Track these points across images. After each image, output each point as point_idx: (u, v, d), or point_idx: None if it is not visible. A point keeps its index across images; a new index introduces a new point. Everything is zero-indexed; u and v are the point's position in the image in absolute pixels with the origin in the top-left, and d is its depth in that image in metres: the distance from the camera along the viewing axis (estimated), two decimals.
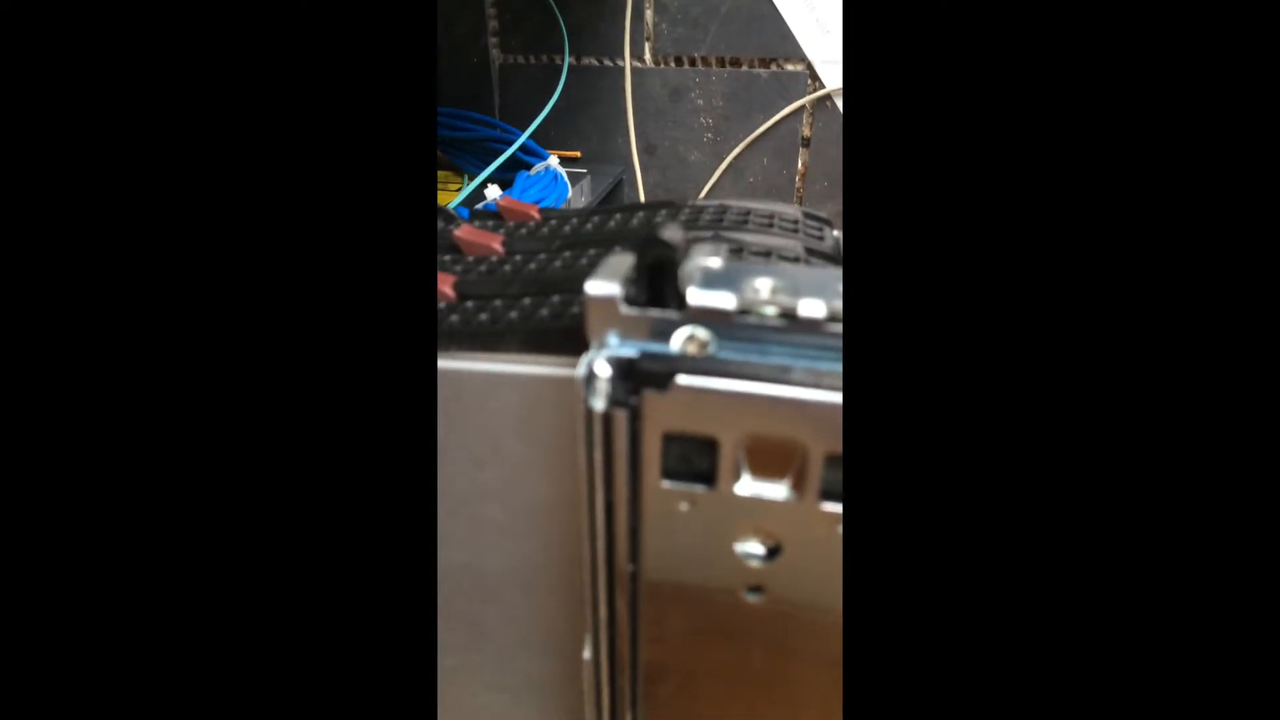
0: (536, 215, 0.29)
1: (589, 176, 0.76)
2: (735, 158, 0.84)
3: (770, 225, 0.25)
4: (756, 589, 0.17)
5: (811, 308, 0.15)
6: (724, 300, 0.15)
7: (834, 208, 0.84)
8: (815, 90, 0.80)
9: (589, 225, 0.27)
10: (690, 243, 0.17)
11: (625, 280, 0.16)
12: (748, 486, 0.16)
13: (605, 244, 0.25)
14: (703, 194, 0.86)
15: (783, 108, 0.81)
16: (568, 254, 0.25)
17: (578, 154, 0.86)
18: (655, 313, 0.16)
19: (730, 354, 0.16)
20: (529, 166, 0.68)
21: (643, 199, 0.87)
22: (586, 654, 0.20)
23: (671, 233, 0.15)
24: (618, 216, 0.27)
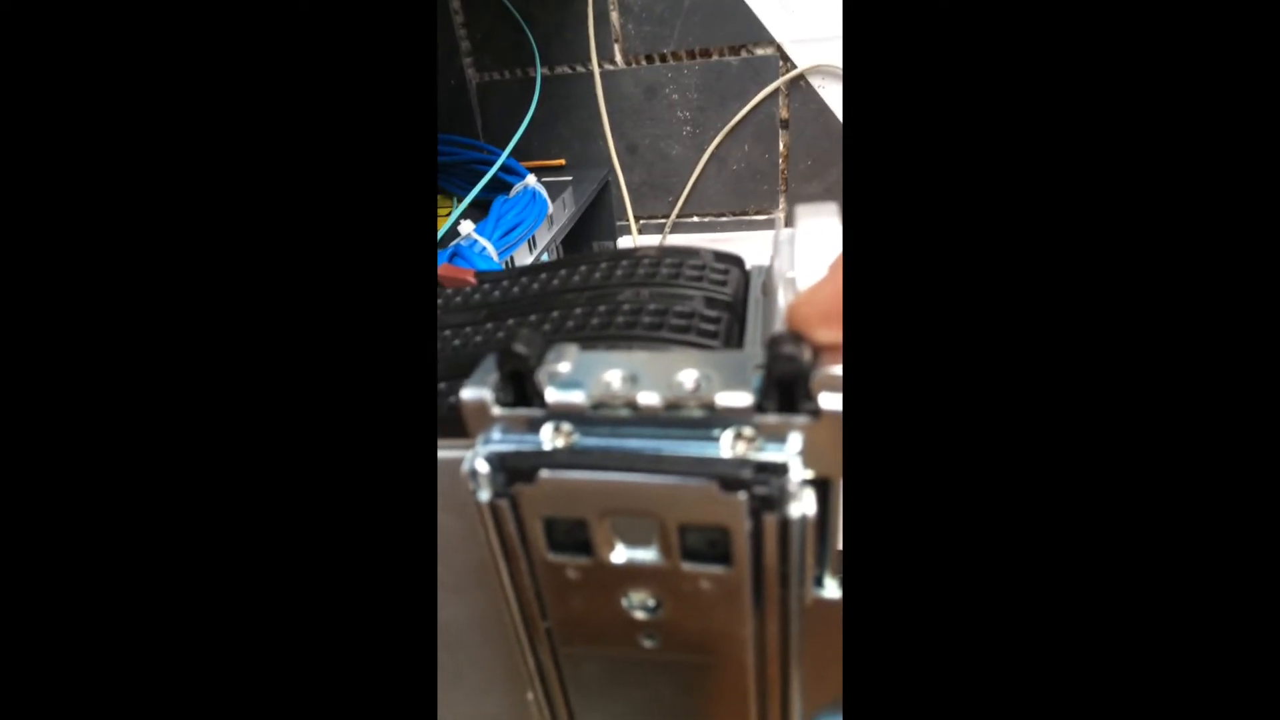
0: (472, 281, 0.31)
1: (571, 187, 0.77)
2: (716, 147, 0.85)
3: (677, 275, 0.27)
4: (651, 635, 0.19)
5: (649, 398, 0.17)
6: (576, 397, 0.17)
7: (819, 186, 0.85)
8: (787, 71, 0.80)
9: (515, 290, 0.29)
10: (549, 344, 0.18)
11: (494, 385, 0.18)
12: (622, 554, 0.18)
13: (526, 311, 0.27)
14: (687, 187, 0.88)
15: (757, 92, 0.82)
16: (489, 326, 0.27)
17: (562, 161, 0.87)
18: (522, 411, 0.18)
19: (592, 441, 0.17)
20: (509, 187, 0.70)
21: (627, 199, 0.89)
22: (530, 696, 0.23)
23: (523, 343, 0.17)
24: (542, 276, 0.29)
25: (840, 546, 0.19)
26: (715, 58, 0.81)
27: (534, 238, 0.66)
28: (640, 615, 0.19)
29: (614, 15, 0.81)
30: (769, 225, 0.88)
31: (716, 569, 0.18)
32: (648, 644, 0.20)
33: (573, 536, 0.18)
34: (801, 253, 0.19)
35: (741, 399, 0.17)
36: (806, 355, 0.16)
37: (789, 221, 0.20)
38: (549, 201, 0.69)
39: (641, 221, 0.91)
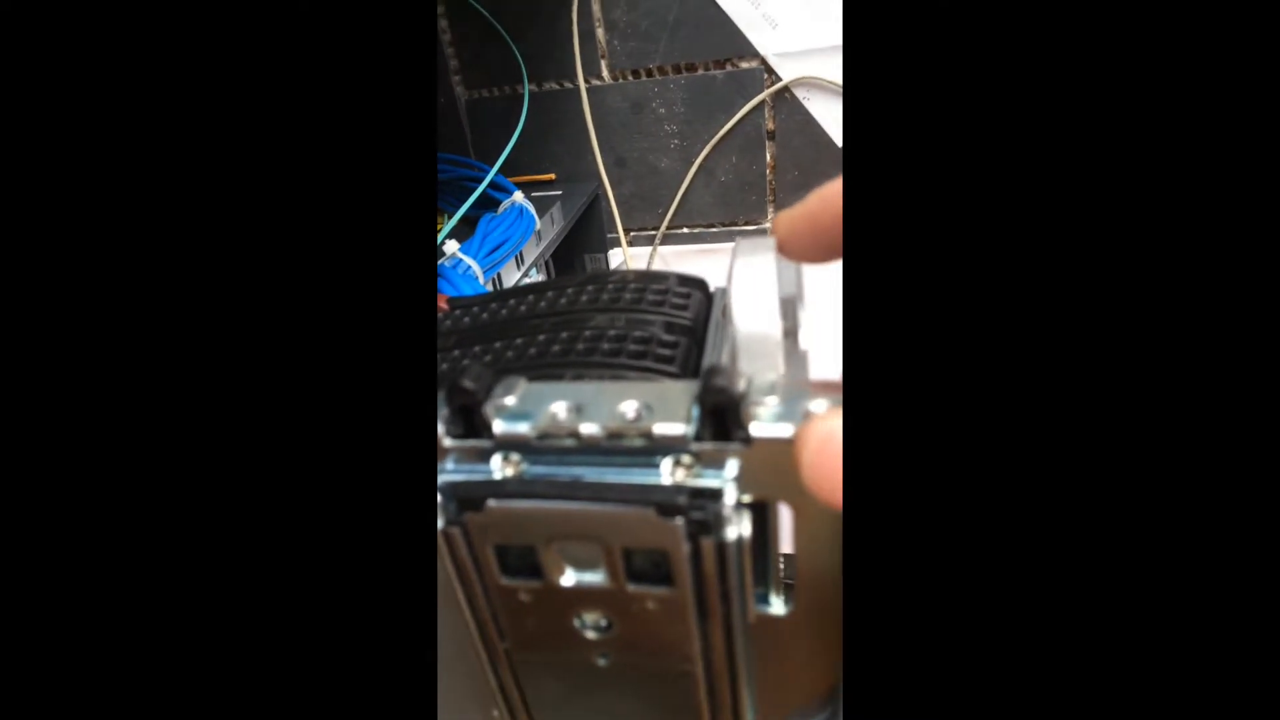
0: (444, 307, 0.31)
1: (560, 201, 0.78)
2: (704, 159, 0.86)
3: (640, 301, 0.28)
4: (604, 654, 0.20)
5: (591, 428, 0.18)
6: (522, 428, 0.18)
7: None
8: (772, 84, 0.81)
9: (484, 316, 0.30)
10: (497, 377, 0.19)
11: (445, 418, 0.19)
12: (571, 577, 0.19)
13: (493, 338, 0.28)
14: (676, 199, 0.88)
15: (743, 105, 0.82)
16: (456, 353, 0.28)
17: (552, 176, 0.88)
18: (472, 442, 0.19)
19: (540, 470, 0.18)
20: (498, 204, 0.70)
21: (616, 212, 0.90)
22: (495, 713, 0.24)
23: (471, 378, 0.18)
24: (510, 302, 0.30)
25: (781, 564, 0.20)
26: (700, 72, 0.82)
27: (521, 254, 0.67)
28: (592, 635, 0.20)
29: (599, 32, 0.82)
30: (759, 235, 0.89)
31: (661, 590, 0.18)
32: (602, 661, 0.20)
33: (524, 561, 0.19)
34: (738, 289, 0.19)
35: (677, 428, 0.17)
36: (738, 386, 0.17)
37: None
38: (536, 218, 0.70)
39: (631, 234, 0.92)
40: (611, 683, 0.21)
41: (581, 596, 0.19)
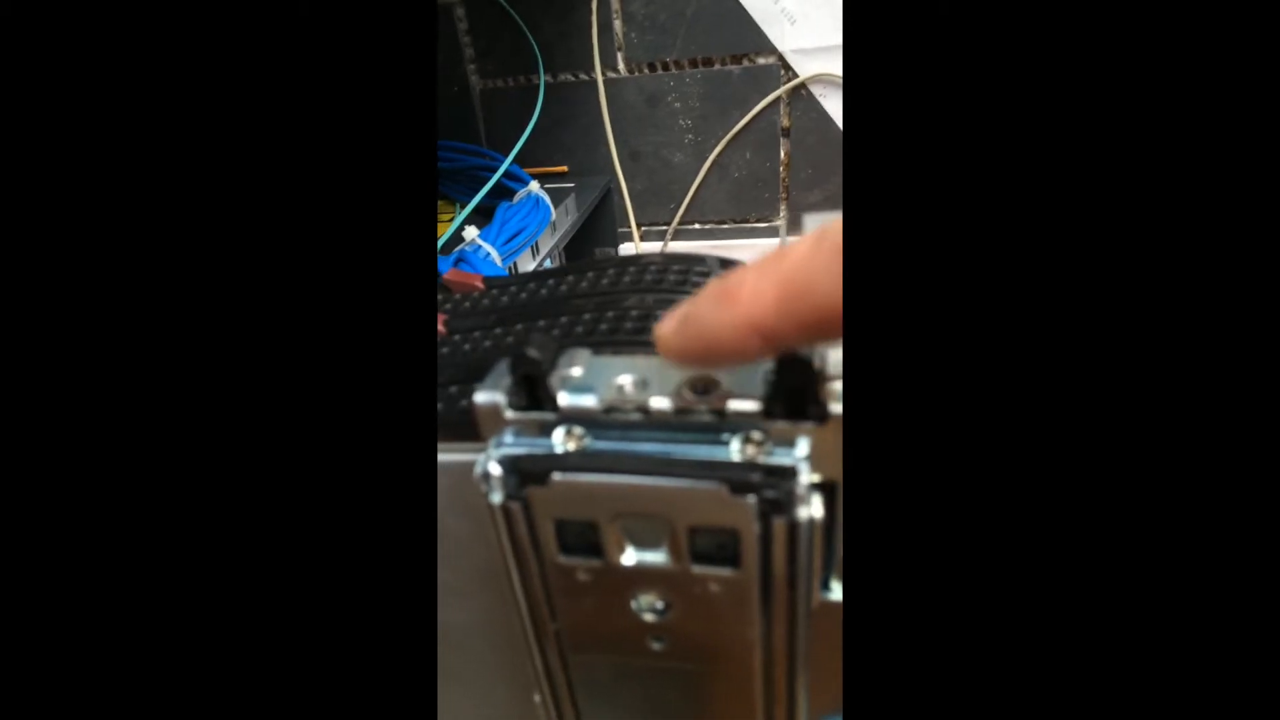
0: (480, 286, 0.31)
1: (574, 193, 0.78)
2: (718, 155, 0.86)
3: (684, 282, 0.27)
4: (659, 638, 0.20)
5: (660, 402, 0.17)
6: (588, 401, 0.18)
7: (820, 194, 0.85)
8: (789, 80, 0.80)
9: (524, 294, 0.29)
10: (560, 349, 0.19)
11: (507, 389, 0.18)
12: (632, 556, 0.18)
13: (534, 317, 0.27)
14: (689, 194, 0.88)
15: (759, 101, 0.82)
16: (499, 330, 0.27)
17: (564, 169, 0.88)
18: (534, 415, 0.18)
19: (604, 444, 0.18)
20: (513, 193, 0.70)
21: (629, 206, 0.89)
22: (536, 698, 0.23)
23: (537, 348, 0.18)
24: (550, 282, 0.29)
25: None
26: (717, 66, 0.82)
27: (537, 244, 0.66)
28: (649, 617, 0.19)
29: (617, 23, 0.81)
30: (770, 233, 0.89)
31: (725, 571, 0.18)
32: (656, 646, 0.20)
33: (583, 539, 0.19)
34: None
35: (750, 404, 0.17)
36: (815, 361, 0.16)
37: (796, 229, 0.20)
38: (552, 208, 0.69)
39: (644, 228, 0.92)
40: (663, 667, 0.20)
41: (641, 576, 0.19)
